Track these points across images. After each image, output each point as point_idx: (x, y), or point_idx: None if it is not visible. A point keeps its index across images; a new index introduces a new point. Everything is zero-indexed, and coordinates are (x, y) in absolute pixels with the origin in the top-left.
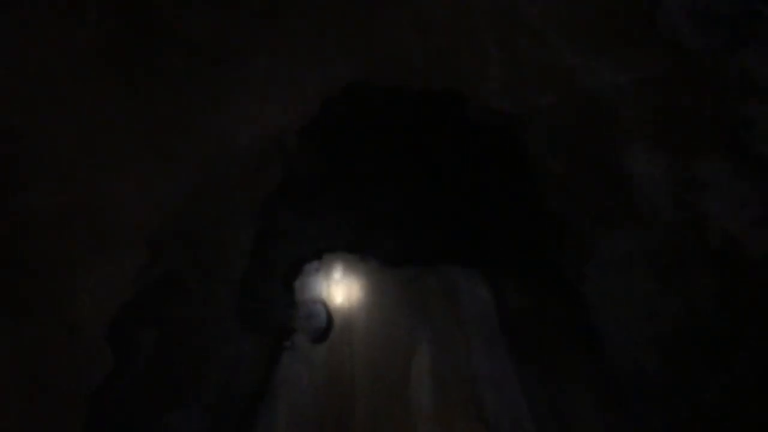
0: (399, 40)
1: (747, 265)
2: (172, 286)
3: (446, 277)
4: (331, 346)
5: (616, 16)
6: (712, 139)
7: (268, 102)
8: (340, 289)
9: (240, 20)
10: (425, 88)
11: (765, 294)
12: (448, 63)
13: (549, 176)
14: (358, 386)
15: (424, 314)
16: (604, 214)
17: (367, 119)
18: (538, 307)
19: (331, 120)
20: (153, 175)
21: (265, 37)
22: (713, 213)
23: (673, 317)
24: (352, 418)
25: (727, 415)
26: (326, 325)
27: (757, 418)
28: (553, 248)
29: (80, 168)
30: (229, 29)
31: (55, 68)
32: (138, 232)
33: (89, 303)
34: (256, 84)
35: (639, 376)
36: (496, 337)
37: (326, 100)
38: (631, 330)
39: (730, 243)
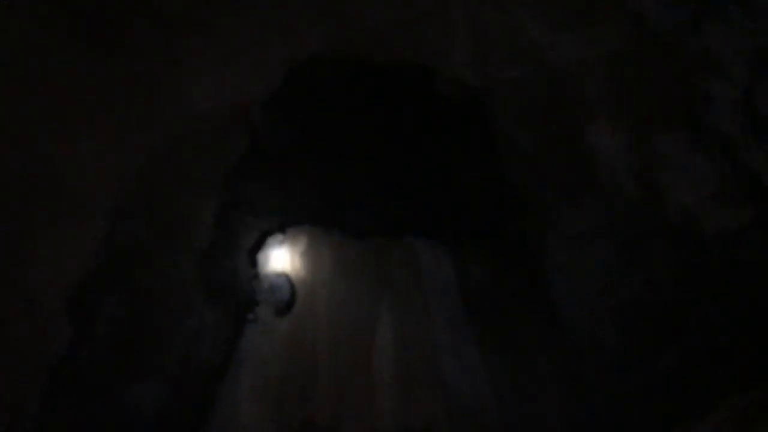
0: (366, 11)
1: (703, 239)
2: (134, 256)
3: (409, 250)
4: (294, 318)
5: None
6: (673, 115)
7: (233, 71)
8: (304, 261)
9: None
10: (392, 60)
11: (718, 268)
12: (415, 35)
13: (513, 149)
14: (321, 357)
15: (387, 286)
16: (566, 187)
17: (333, 91)
18: (499, 278)
19: (296, 91)
20: (115, 143)
21: (231, 5)
22: (672, 188)
23: (631, 290)
24: (315, 389)
25: (678, 384)
26: (289, 297)
27: (707, 387)
28: (514, 221)
29: (41, 135)
30: None
31: (17, 34)
32: (99, 201)
33: (48, 272)
34: (222, 52)
35: (596, 347)
36: (458, 309)
37: (291, 71)
38: (590, 302)
39: (687, 217)
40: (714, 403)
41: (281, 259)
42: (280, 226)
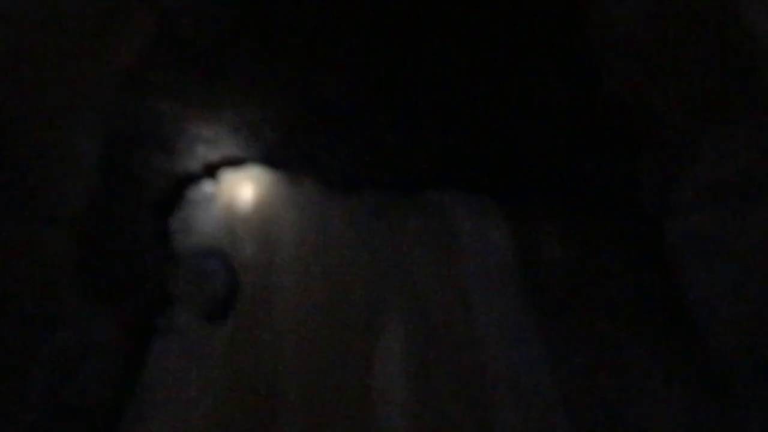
0: None
1: None
2: None
3: (436, 209)
4: (236, 325)
5: None
6: None
7: None
8: (252, 229)
9: None
10: None
11: None
12: None
13: (615, 42)
14: (284, 387)
15: (397, 267)
16: (708, 105)
17: None
18: (590, 258)
19: None
20: None
21: None
22: None
23: None
24: None
25: None
26: (227, 291)
27: None
28: (619, 166)
29: None
30: None
31: None
32: None
33: None
34: None
35: (749, 361)
36: (518, 303)
37: None
38: (744, 294)
39: None
40: None
41: (211, 225)
42: (211, 168)
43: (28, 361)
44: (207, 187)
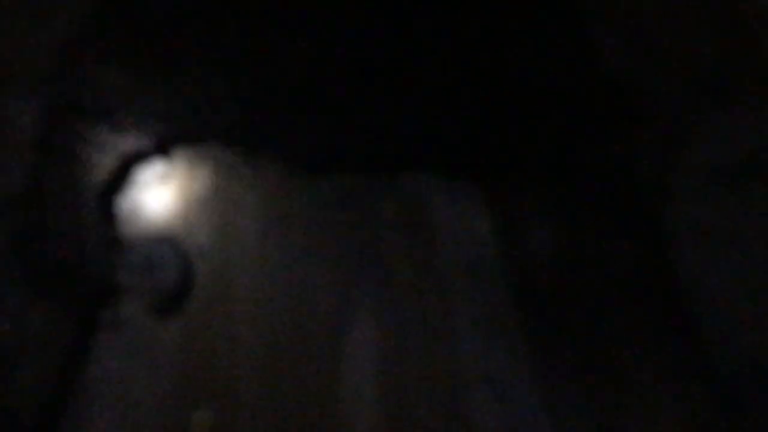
0: None
1: None
2: None
3: (411, 194)
4: (189, 319)
5: None
6: None
7: None
8: (208, 213)
9: None
10: None
11: None
12: None
13: (611, 13)
14: (242, 386)
15: (368, 256)
16: (711, 85)
17: None
18: (581, 248)
19: None
20: None
21: None
22: None
23: None
24: None
25: None
26: (179, 282)
27: None
28: (614, 147)
29: None
30: None
31: None
32: None
33: None
34: None
35: (749, 359)
36: (499, 296)
37: None
38: (745, 285)
39: None
40: None
41: (164, 208)
42: (163, 146)
43: None
44: (158, 166)
